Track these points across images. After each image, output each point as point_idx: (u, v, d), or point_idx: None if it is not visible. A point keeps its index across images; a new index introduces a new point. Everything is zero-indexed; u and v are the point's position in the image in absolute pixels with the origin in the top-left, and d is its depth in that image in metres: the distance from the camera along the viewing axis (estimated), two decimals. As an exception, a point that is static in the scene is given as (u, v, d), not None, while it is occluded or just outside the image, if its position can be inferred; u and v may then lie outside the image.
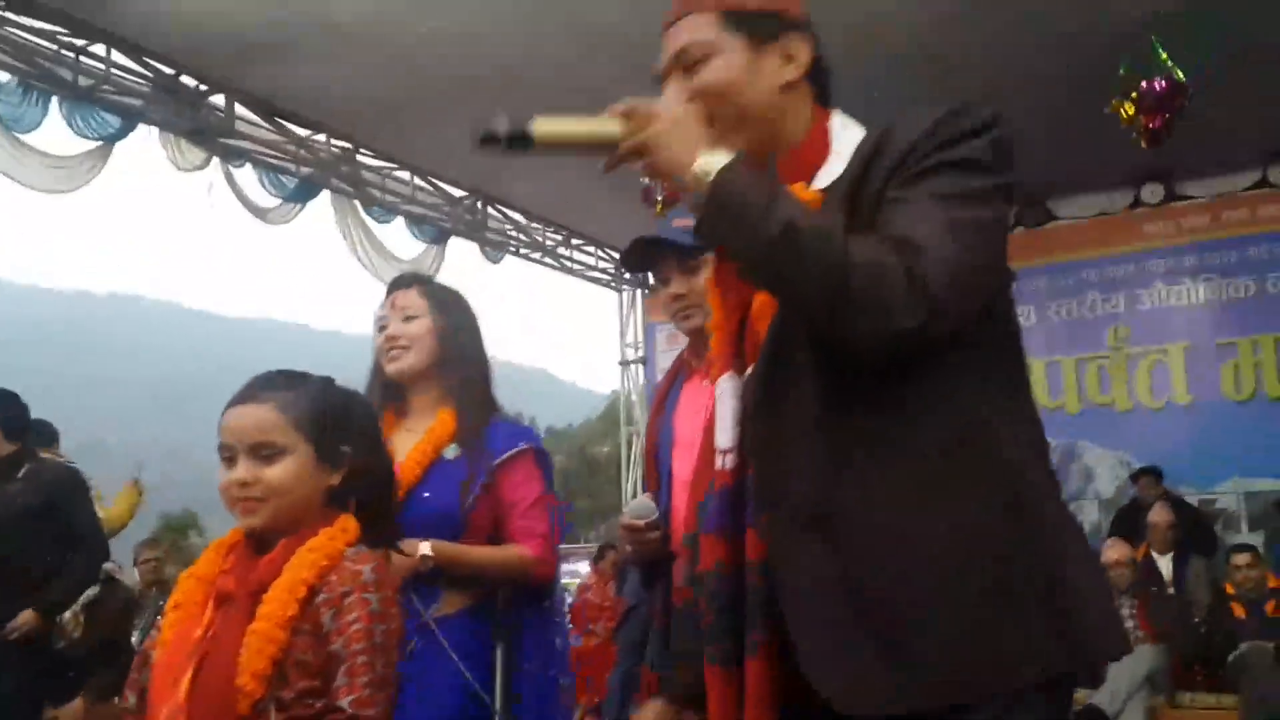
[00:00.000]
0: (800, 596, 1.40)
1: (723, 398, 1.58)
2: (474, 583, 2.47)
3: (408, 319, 2.61)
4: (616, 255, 10.47)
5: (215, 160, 6.70)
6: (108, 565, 5.77)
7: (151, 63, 6.29)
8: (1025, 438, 1.43)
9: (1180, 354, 8.64)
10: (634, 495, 11.53)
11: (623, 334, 11.15)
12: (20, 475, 4.85)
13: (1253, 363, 8.42)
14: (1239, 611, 6.54)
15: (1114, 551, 6.82)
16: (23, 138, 5.74)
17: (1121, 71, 5.80)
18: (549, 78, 6.17)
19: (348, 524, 1.87)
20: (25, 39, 5.81)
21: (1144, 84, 5.78)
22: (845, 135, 1.51)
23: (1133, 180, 8.66)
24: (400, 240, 8.16)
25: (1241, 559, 6.69)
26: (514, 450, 2.58)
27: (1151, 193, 8.73)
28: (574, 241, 10.14)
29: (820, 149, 1.51)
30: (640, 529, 2.57)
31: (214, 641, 1.77)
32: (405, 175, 8.09)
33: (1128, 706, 5.98)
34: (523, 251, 9.64)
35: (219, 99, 6.68)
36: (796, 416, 1.43)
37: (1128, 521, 7.76)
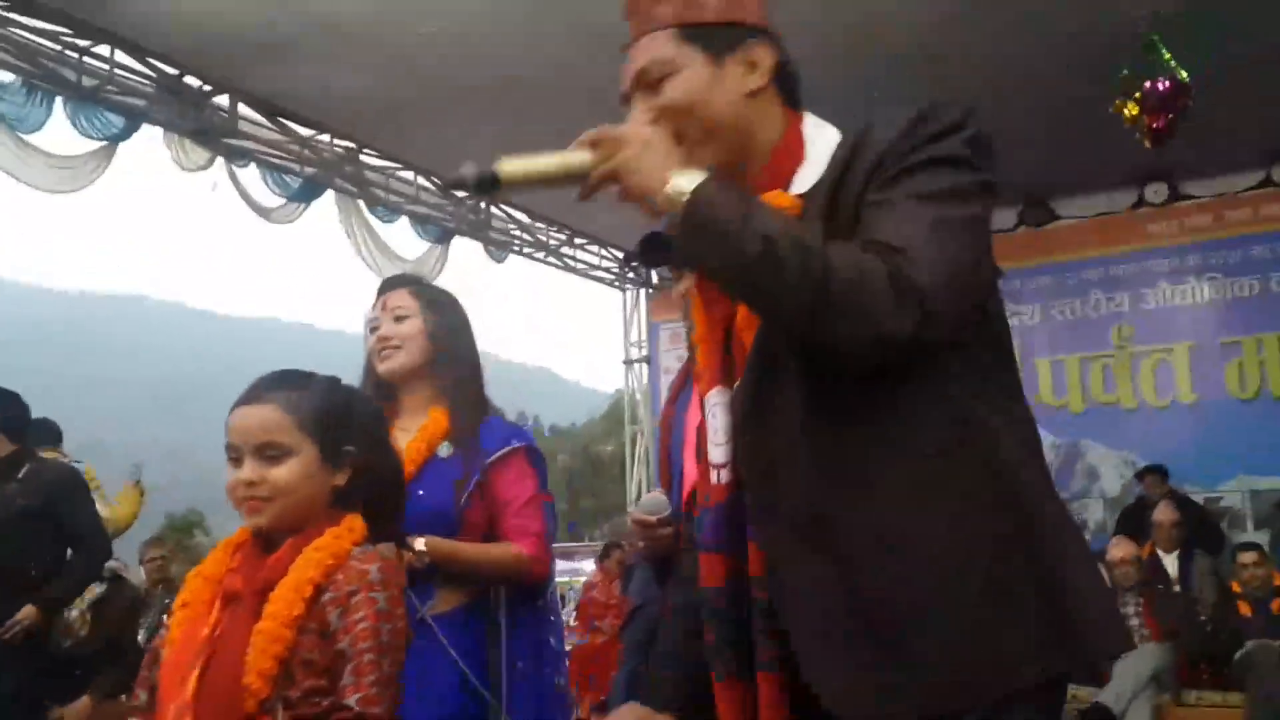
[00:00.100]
0: (800, 605, 1.39)
1: (713, 411, 1.56)
2: (468, 580, 2.48)
3: (399, 319, 2.63)
4: (620, 255, 10.48)
5: (219, 160, 6.70)
6: (114, 564, 5.78)
7: (155, 63, 6.29)
8: (1020, 436, 1.41)
9: (1184, 353, 8.64)
10: (638, 494, 11.58)
11: (627, 333, 11.15)
12: (20, 475, 4.86)
13: (1257, 361, 8.42)
14: (1245, 610, 6.53)
15: (1119, 550, 6.82)
16: (27, 138, 5.74)
17: (1124, 72, 5.80)
18: (550, 78, 6.17)
19: (354, 523, 1.88)
20: (29, 39, 5.81)
21: (1147, 84, 5.77)
22: (819, 137, 1.49)
23: (1136, 180, 8.66)
24: (404, 240, 8.18)
25: (1247, 557, 6.68)
26: (507, 449, 2.59)
27: (1155, 192, 8.73)
28: (578, 241, 10.14)
29: (795, 153, 1.49)
30: (652, 524, 2.58)
31: (221, 640, 1.77)
32: (409, 175, 8.10)
33: (1134, 705, 5.98)
34: (526, 251, 9.64)
35: (223, 99, 6.69)
36: (787, 425, 1.41)
37: (1133, 520, 7.76)
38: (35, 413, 6.80)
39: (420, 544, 2.37)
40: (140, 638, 5.79)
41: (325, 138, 7.37)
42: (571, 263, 10.26)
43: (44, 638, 4.80)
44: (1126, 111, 5.86)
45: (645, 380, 10.96)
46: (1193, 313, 8.70)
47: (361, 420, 1.98)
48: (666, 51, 1.49)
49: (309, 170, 7.30)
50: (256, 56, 6.21)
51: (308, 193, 7.31)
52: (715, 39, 1.49)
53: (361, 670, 1.72)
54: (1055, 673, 1.35)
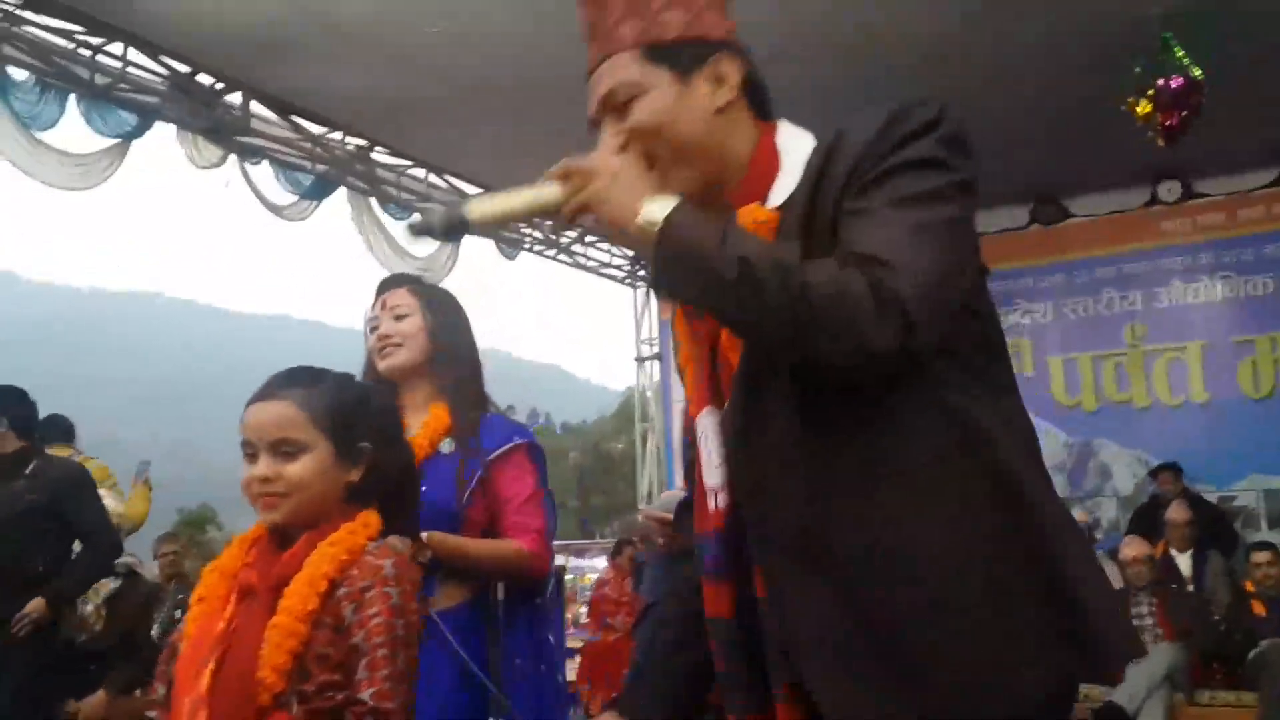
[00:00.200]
0: (802, 623, 1.36)
1: (704, 434, 1.53)
2: (470, 576, 2.49)
3: (399, 318, 2.64)
4: (631, 252, 10.48)
5: (232, 157, 6.73)
6: (128, 559, 5.81)
7: (168, 61, 6.32)
8: (1016, 438, 1.39)
9: (1198, 351, 8.62)
10: (649, 491, 11.56)
11: (638, 330, 11.16)
12: (27, 472, 4.91)
13: (1271, 360, 8.39)
14: (1259, 609, 6.51)
15: (1132, 549, 6.80)
16: (40, 135, 5.76)
17: (1137, 70, 5.78)
18: (559, 77, 6.14)
19: (369, 519, 1.89)
20: (43, 38, 5.84)
21: (1160, 81, 5.75)
22: (794, 147, 1.46)
23: (1149, 178, 8.63)
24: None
25: (1261, 556, 6.65)
26: (508, 445, 2.61)
27: (1168, 190, 8.70)
28: (588, 238, 10.13)
29: (770, 165, 1.45)
30: (668, 521, 2.58)
31: (236, 635, 1.78)
32: (420, 173, 8.11)
33: (1147, 704, 5.96)
34: (537, 248, 9.64)
35: (235, 97, 6.71)
36: (779, 443, 1.39)
37: (1146, 519, 7.74)
38: (49, 409, 6.85)
39: (422, 537, 2.38)
40: (154, 632, 5.81)
41: (337, 135, 7.39)
42: (583, 260, 10.27)
43: (52, 632, 4.82)
44: (1139, 109, 5.84)
45: (656, 378, 10.96)
46: (1206, 311, 8.67)
47: (376, 416, 1.98)
48: (631, 73, 1.46)
49: (321, 168, 7.33)
50: (269, 54, 6.23)
51: (320, 190, 7.33)
52: (680, 57, 1.46)
53: (375, 665, 1.73)
54: (1067, 682, 1.33)
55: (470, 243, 8.68)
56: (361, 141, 7.57)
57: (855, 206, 1.32)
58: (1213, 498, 8.08)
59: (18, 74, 5.70)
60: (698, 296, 1.36)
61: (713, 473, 1.52)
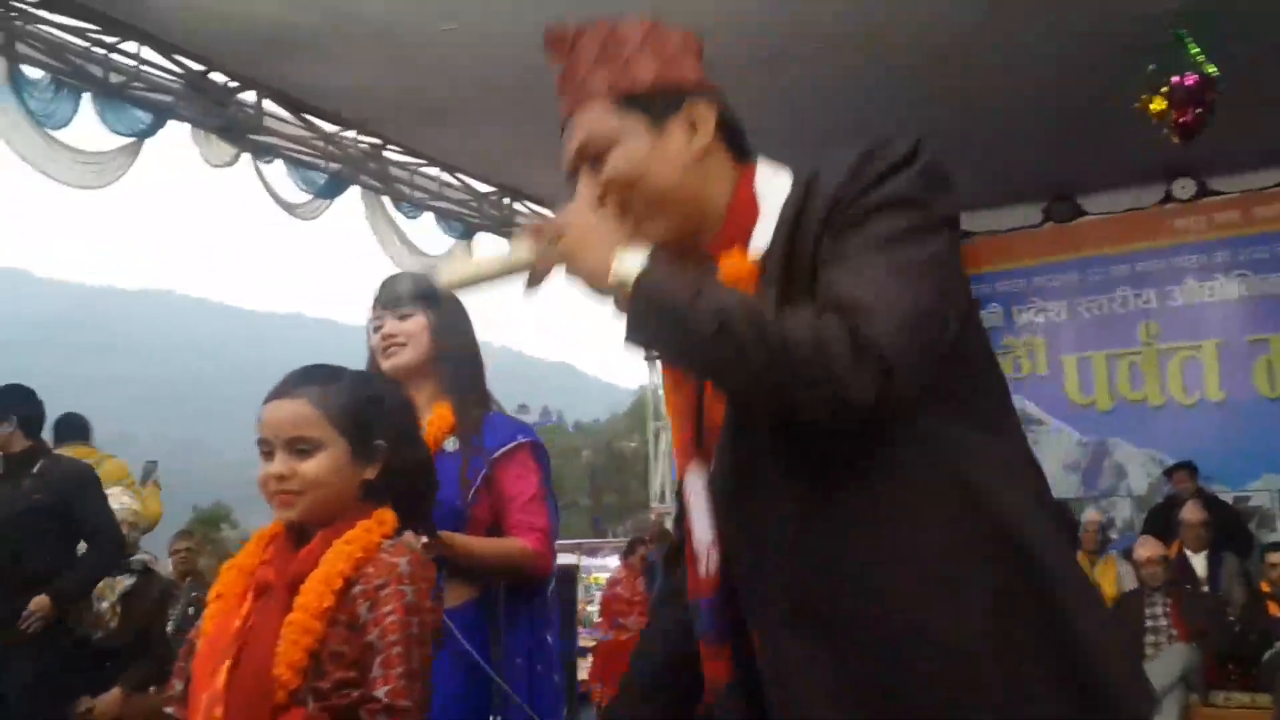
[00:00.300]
0: (804, 692, 1.32)
1: (692, 491, 1.49)
2: (475, 575, 2.50)
3: (402, 317, 2.64)
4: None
5: (245, 156, 6.74)
6: (143, 556, 5.84)
7: (182, 59, 6.33)
8: (1017, 481, 1.33)
9: (1213, 350, 8.57)
10: (662, 490, 11.54)
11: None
12: (34, 471, 4.95)
13: (1286, 359, 8.35)
14: (1274, 610, 6.49)
15: (1146, 549, 6.78)
16: (55, 134, 5.78)
17: (1151, 67, 5.75)
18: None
19: (384, 516, 1.89)
20: (57, 36, 5.86)
21: (1174, 79, 5.72)
22: (772, 189, 1.41)
23: (1163, 175, 8.58)
24: (428, 236, 8.18)
25: (1276, 557, 6.63)
26: (512, 444, 2.62)
27: (1182, 188, 8.65)
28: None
29: (748, 210, 1.42)
30: None
31: (252, 632, 1.79)
32: (433, 171, 8.12)
33: (1162, 705, 5.94)
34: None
35: (249, 95, 6.72)
36: (768, 503, 1.34)
37: (1161, 519, 7.71)
38: (62, 407, 6.89)
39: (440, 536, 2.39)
40: (168, 629, 5.84)
41: (350, 134, 7.40)
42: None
43: (59, 630, 4.86)
44: (1153, 106, 5.81)
45: (668, 376, 10.94)
46: (1221, 310, 8.62)
47: (392, 414, 1.99)
48: (605, 123, 1.43)
49: (334, 166, 7.34)
50: (282, 53, 6.24)
51: (333, 189, 7.34)
52: (653, 104, 1.43)
53: (390, 663, 1.74)
54: None
55: (483, 241, 8.70)
56: (375, 140, 7.57)
57: (832, 250, 1.28)
58: (1227, 497, 8.04)
59: (32, 72, 5.72)
60: (673, 352, 1.35)
61: (702, 532, 1.48)
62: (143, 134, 6.19)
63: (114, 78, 6.08)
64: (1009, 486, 1.31)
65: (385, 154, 7.73)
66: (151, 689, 5.35)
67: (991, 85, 6.56)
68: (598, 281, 1.33)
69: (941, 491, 1.28)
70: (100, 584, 5.46)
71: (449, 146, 7.71)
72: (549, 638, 2.68)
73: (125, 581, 5.55)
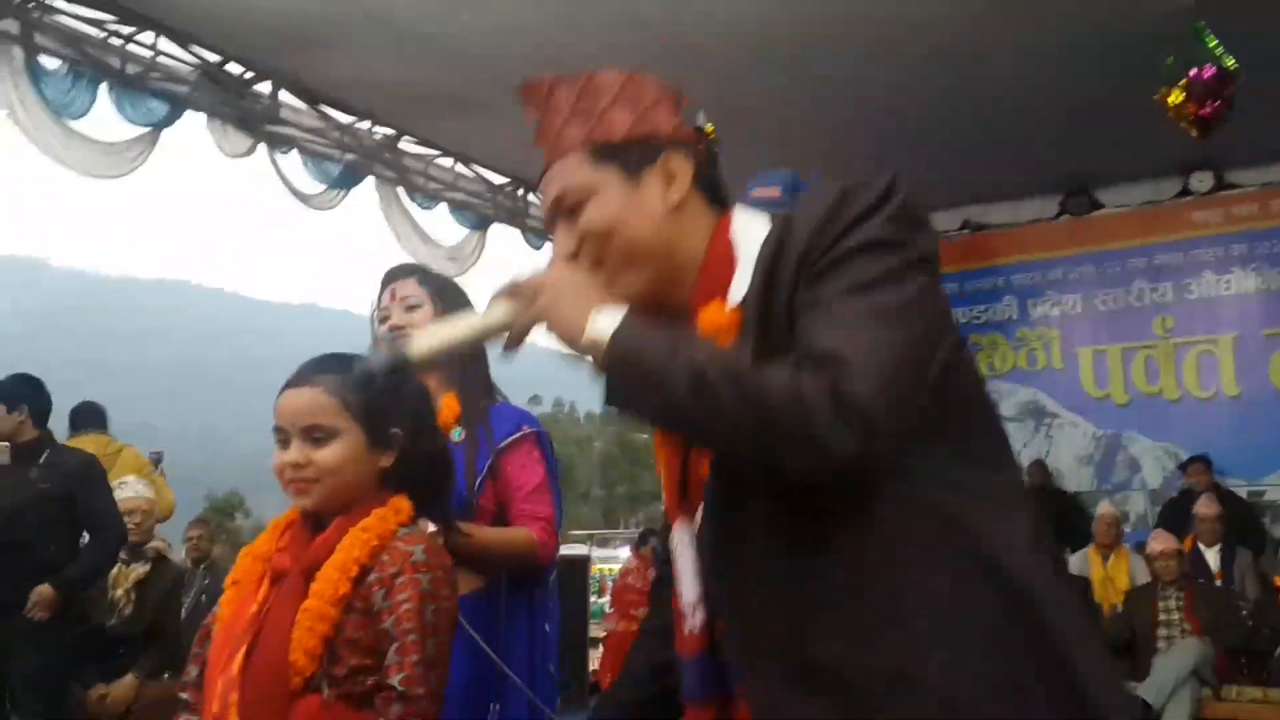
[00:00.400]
0: None
1: (679, 546, 1.47)
2: (482, 565, 2.50)
3: (410, 309, 2.65)
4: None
5: (261, 146, 6.76)
6: (157, 544, 5.88)
7: (198, 50, 6.35)
8: (1011, 523, 1.28)
9: (1229, 345, 8.53)
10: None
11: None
12: (41, 461, 5.00)
13: (1303, 354, 8.30)
14: (1287, 604, 6.47)
15: (1159, 543, 6.76)
16: (72, 124, 5.80)
17: (1169, 59, 5.71)
18: (592, 67, 6.13)
19: (400, 504, 1.90)
20: (74, 27, 5.88)
21: (1192, 71, 5.69)
22: (749, 236, 1.38)
23: (1181, 168, 8.52)
24: (443, 227, 8.20)
25: (1290, 552, 6.61)
26: (517, 434, 2.63)
27: (1200, 181, 8.59)
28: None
29: (726, 259, 1.39)
30: None
31: (268, 618, 1.80)
32: (448, 162, 8.12)
33: (1173, 699, 5.93)
34: (563, 238, 9.61)
35: (265, 86, 6.73)
36: (756, 560, 1.31)
37: (1175, 513, 7.68)
38: (78, 396, 6.95)
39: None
40: (181, 616, 5.88)
41: (365, 125, 7.41)
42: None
43: (64, 619, 4.91)
44: (1171, 99, 5.78)
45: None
46: (1238, 303, 8.57)
47: (408, 402, 2.00)
48: (581, 175, 1.42)
49: (349, 157, 7.34)
50: (298, 44, 6.25)
51: (348, 179, 7.35)
52: (629, 156, 1.42)
53: (405, 651, 1.75)
54: None
55: (497, 232, 8.70)
56: (390, 131, 7.58)
57: (808, 299, 1.26)
58: (1242, 492, 8.00)
59: (50, 62, 5.74)
60: (651, 414, 1.33)
61: (688, 588, 1.46)
62: (159, 124, 6.21)
63: (131, 68, 6.10)
64: (1003, 526, 1.27)
65: (400, 145, 7.73)
66: (165, 675, 5.39)
67: (1008, 78, 6.54)
68: (572, 340, 1.31)
69: (934, 535, 1.25)
70: (114, 572, 5.51)
71: (464, 137, 7.71)
72: (548, 627, 2.70)
73: (139, 569, 5.59)
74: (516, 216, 8.81)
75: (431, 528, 2.09)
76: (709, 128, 6.40)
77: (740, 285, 1.35)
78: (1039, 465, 8.74)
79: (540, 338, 1.37)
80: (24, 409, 5.05)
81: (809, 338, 1.23)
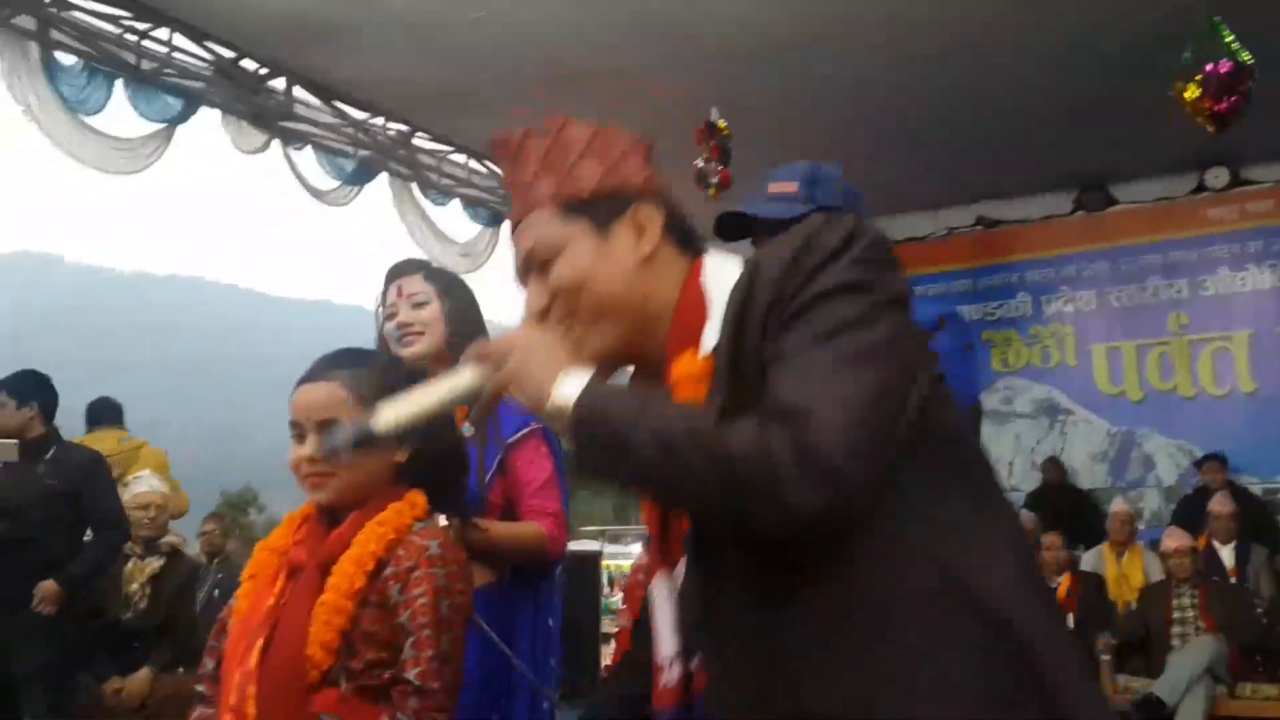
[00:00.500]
0: None
1: (659, 602, 1.45)
2: (493, 559, 2.51)
3: (418, 305, 2.66)
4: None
5: (275, 142, 6.78)
6: (171, 539, 5.91)
7: (213, 46, 6.37)
8: (998, 560, 1.24)
9: (1244, 341, 8.49)
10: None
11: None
12: (47, 458, 5.03)
13: (1319, 351, 8.26)
14: (1302, 602, 6.44)
15: (1173, 540, 6.73)
16: (87, 120, 5.84)
17: (1185, 54, 5.68)
18: (600, 65, 6.19)
19: (415, 499, 1.91)
20: (90, 23, 5.91)
21: (1208, 66, 5.66)
22: (721, 282, 1.36)
23: (1196, 164, 8.49)
24: (456, 223, 8.21)
25: (1305, 550, 6.58)
26: (525, 430, 2.63)
27: (1215, 177, 8.56)
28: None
29: (698, 307, 1.37)
30: None
31: (285, 612, 1.81)
32: (461, 158, 8.14)
33: (1188, 696, 5.91)
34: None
35: (279, 82, 6.76)
36: (734, 609, 1.29)
37: (1191, 510, 7.66)
38: (93, 392, 6.99)
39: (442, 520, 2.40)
40: (195, 610, 5.91)
41: (379, 121, 7.43)
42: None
43: (69, 615, 4.94)
44: (1187, 95, 5.75)
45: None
46: (1253, 300, 8.53)
47: None
48: (551, 230, 1.41)
49: (363, 153, 7.37)
50: (312, 40, 6.26)
51: (361, 175, 7.38)
52: (599, 209, 1.41)
53: (421, 645, 1.76)
54: None
55: (509, 228, 8.71)
56: (403, 127, 7.60)
57: (776, 349, 1.23)
58: (1257, 490, 7.97)
59: (65, 59, 5.78)
60: (620, 478, 1.31)
61: (666, 643, 1.44)
62: (174, 120, 6.24)
63: (146, 64, 6.13)
64: (990, 565, 1.23)
65: (414, 141, 7.76)
66: (180, 669, 5.42)
67: (1023, 73, 6.52)
68: (539, 406, 1.30)
69: (913, 578, 1.21)
70: (129, 566, 5.54)
71: (477, 134, 7.72)
72: (551, 621, 2.70)
73: (154, 563, 5.62)
74: (529, 212, 8.81)
75: (444, 522, 2.09)
76: (721, 124, 6.41)
77: (713, 332, 1.33)
78: (1053, 462, 8.72)
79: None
80: (34, 405, 5.09)
81: (775, 391, 1.20)
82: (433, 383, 1.40)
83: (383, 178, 7.61)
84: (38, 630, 4.81)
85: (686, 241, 1.45)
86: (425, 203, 7.94)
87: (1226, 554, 7.09)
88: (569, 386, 1.27)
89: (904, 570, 1.21)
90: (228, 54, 6.44)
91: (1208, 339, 8.62)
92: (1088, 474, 8.91)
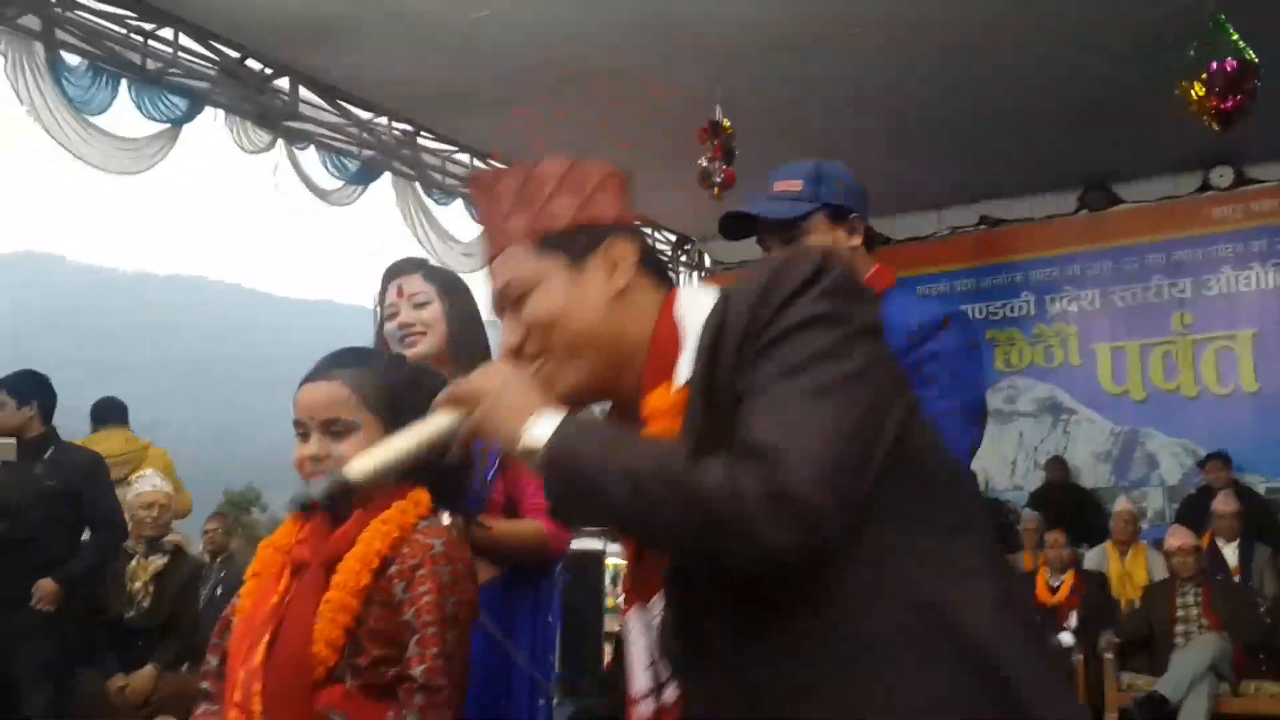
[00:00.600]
0: None
1: (634, 638, 1.44)
2: (495, 557, 2.51)
3: (419, 305, 2.65)
4: (673, 238, 10.47)
5: (280, 142, 6.79)
6: (175, 537, 5.93)
7: (218, 46, 6.39)
8: (979, 585, 1.24)
9: (1248, 340, 8.48)
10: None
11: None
12: (46, 458, 5.05)
13: (1323, 350, 8.25)
14: (1305, 601, 6.44)
15: (1176, 538, 6.73)
16: (92, 120, 5.85)
17: (1190, 53, 5.68)
18: (604, 64, 6.19)
19: (420, 497, 1.91)
20: (95, 23, 5.93)
21: (1213, 65, 5.65)
22: (694, 314, 1.36)
23: (1200, 163, 8.49)
24: (460, 222, 8.22)
25: (1309, 549, 6.58)
26: None
27: (1220, 176, 8.55)
28: (631, 224, 10.11)
29: (672, 339, 1.37)
30: None
31: (290, 609, 1.81)
32: (465, 158, 8.14)
33: (1191, 694, 5.92)
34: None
35: (283, 82, 6.77)
36: (714, 650, 1.28)
37: (1195, 509, 7.66)
38: (96, 391, 7.00)
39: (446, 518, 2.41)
40: (198, 608, 5.92)
41: (383, 121, 7.44)
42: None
43: (67, 612, 4.97)
44: (1192, 93, 5.75)
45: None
46: (1257, 300, 8.52)
47: (426, 395, 2.00)
48: (525, 266, 1.41)
49: (367, 153, 7.38)
50: (316, 40, 6.28)
51: (365, 175, 7.39)
52: (573, 245, 1.41)
53: (426, 643, 1.76)
54: None
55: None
56: (407, 127, 7.62)
57: (747, 384, 1.23)
58: (1261, 489, 7.97)
59: (71, 59, 5.79)
60: (592, 519, 1.32)
61: (640, 679, 1.42)
62: (179, 120, 6.26)
63: (151, 64, 6.14)
64: (968, 594, 1.22)
65: (418, 140, 7.77)
66: (183, 666, 5.43)
67: (1026, 72, 6.52)
68: (511, 448, 1.30)
69: (897, 612, 1.20)
70: (133, 564, 5.56)
71: (481, 133, 7.73)
72: (550, 618, 2.71)
73: (157, 562, 5.63)
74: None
75: (447, 520, 2.10)
76: (726, 123, 6.42)
77: (687, 364, 1.33)
78: (1057, 461, 8.72)
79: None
80: (33, 404, 5.12)
81: (747, 426, 1.20)
82: (407, 430, 1.40)
83: (386, 177, 7.62)
84: (38, 629, 4.84)
85: (660, 274, 1.46)
86: (429, 202, 7.95)
87: (1230, 553, 7.08)
88: (540, 428, 1.27)
89: (881, 602, 1.20)
90: (232, 54, 6.46)
91: (1211, 338, 8.62)
92: (1091, 473, 8.91)
